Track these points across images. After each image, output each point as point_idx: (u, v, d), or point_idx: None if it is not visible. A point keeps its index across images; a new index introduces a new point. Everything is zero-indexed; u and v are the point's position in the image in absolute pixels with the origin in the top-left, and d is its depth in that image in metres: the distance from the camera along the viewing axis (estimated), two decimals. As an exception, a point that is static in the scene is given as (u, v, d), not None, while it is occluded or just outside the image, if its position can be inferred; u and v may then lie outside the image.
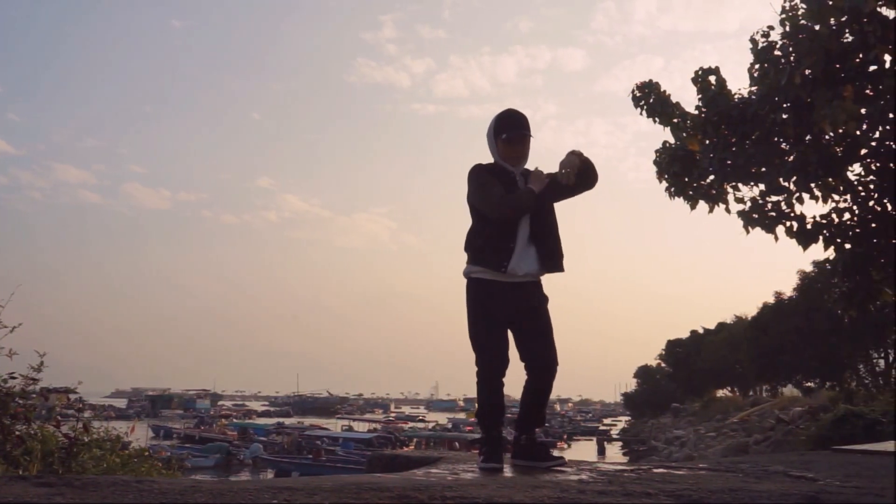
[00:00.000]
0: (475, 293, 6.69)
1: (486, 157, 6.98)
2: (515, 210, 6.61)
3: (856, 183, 16.36)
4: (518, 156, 6.82)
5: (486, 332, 6.59)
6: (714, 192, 17.07)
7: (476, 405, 6.83)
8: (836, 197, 16.41)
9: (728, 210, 17.14)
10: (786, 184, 16.11)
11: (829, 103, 14.37)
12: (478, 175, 6.81)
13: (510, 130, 6.75)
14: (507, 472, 6.21)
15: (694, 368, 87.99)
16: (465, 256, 6.85)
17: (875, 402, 25.02)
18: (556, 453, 6.95)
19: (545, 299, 6.80)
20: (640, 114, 17.81)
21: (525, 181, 6.77)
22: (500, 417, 6.67)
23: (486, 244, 6.69)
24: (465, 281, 6.82)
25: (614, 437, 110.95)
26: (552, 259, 6.77)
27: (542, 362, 6.62)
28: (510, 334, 6.70)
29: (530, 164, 6.91)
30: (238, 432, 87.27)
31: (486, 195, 6.68)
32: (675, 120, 17.51)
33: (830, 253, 16.93)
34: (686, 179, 17.32)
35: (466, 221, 6.84)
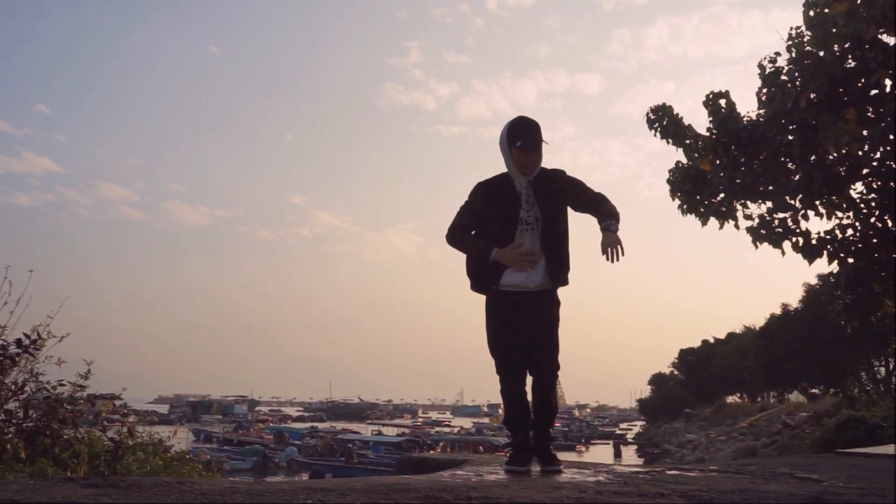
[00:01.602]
0: (493, 303, 6.60)
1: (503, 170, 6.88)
2: (458, 248, 6.69)
3: (858, 201, 16.34)
4: (532, 162, 6.60)
5: (504, 341, 6.51)
6: (724, 209, 17.06)
7: (500, 411, 6.79)
8: (840, 214, 16.41)
9: (737, 226, 17.15)
10: (792, 201, 16.11)
11: (832, 125, 14.37)
12: (470, 196, 6.75)
13: (523, 138, 6.52)
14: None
15: (705, 376, 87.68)
16: None
17: (876, 408, 24.80)
18: (575, 457, 6.91)
19: (557, 304, 6.64)
20: (654, 135, 17.83)
21: (535, 194, 6.60)
22: (524, 421, 6.56)
23: (476, 268, 6.66)
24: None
25: (630, 440, 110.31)
26: (558, 271, 6.61)
27: (542, 363, 6.49)
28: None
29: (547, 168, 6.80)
30: (274, 436, 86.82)
31: (455, 221, 6.73)
32: (688, 141, 17.52)
33: (834, 267, 16.95)
34: (698, 197, 17.32)
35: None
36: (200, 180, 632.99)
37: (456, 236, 6.69)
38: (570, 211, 6.76)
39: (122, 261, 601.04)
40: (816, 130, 14.96)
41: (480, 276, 6.62)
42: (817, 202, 16.04)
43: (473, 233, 6.75)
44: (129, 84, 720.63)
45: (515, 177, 6.66)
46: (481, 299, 6.65)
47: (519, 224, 6.53)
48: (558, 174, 6.80)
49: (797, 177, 15.94)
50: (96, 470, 8.17)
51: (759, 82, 16.57)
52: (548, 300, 6.58)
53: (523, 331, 6.49)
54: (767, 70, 16.37)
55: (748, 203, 16.91)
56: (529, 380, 6.54)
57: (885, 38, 14.70)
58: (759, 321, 65.28)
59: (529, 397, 6.63)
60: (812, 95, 15.28)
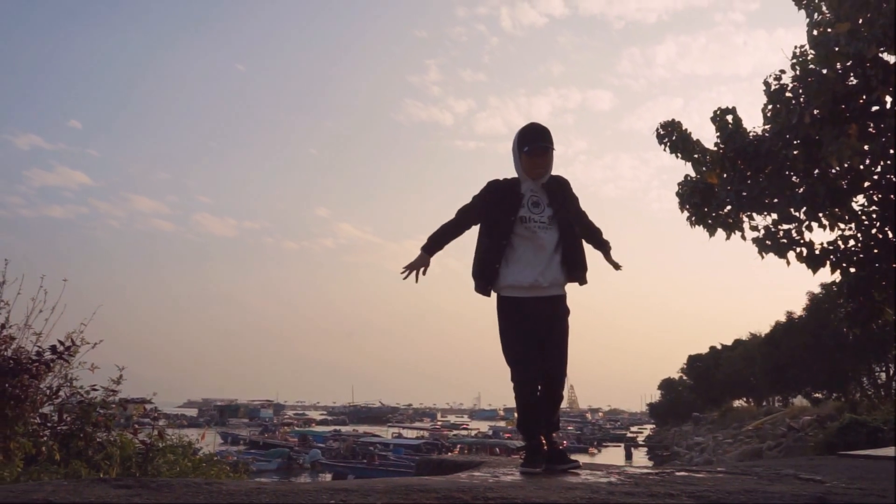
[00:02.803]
0: (504, 308, 6.54)
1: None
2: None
3: (860, 213, 16.31)
4: (539, 167, 6.56)
5: (517, 346, 6.41)
6: (731, 220, 17.04)
7: (515, 415, 6.74)
8: (842, 225, 16.39)
9: (744, 237, 17.13)
10: (796, 213, 16.09)
11: (835, 140, 14.35)
12: (481, 189, 6.78)
13: (532, 143, 6.50)
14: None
15: (713, 381, 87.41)
16: None
17: (877, 412, 24.75)
18: (587, 459, 6.89)
19: (566, 312, 6.58)
20: (664, 150, 17.81)
21: (547, 196, 6.58)
22: (538, 427, 6.48)
23: (479, 269, 6.66)
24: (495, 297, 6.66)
25: (640, 443, 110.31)
26: (577, 270, 6.58)
27: (554, 373, 6.45)
28: None
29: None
30: (299, 439, 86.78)
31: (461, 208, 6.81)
32: (696, 155, 17.49)
33: (837, 276, 16.94)
34: (706, 209, 17.30)
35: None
36: (228, 193, 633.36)
37: (446, 222, 6.83)
38: None
39: (153, 270, 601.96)
40: (820, 145, 14.94)
41: (482, 276, 6.59)
42: (820, 214, 16.01)
43: (481, 226, 6.78)
44: (159, 101, 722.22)
45: (524, 180, 6.63)
46: (494, 306, 6.61)
47: (529, 223, 6.47)
48: (566, 182, 6.81)
49: (801, 190, 15.92)
50: (128, 471, 8.18)
51: (764, 99, 16.56)
52: (561, 309, 6.54)
53: (537, 340, 6.42)
54: (772, 87, 16.36)
55: (754, 215, 16.88)
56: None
57: (885, 56, 14.70)
58: (764, 328, 65.11)
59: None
60: (815, 111, 15.25)
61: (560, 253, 6.49)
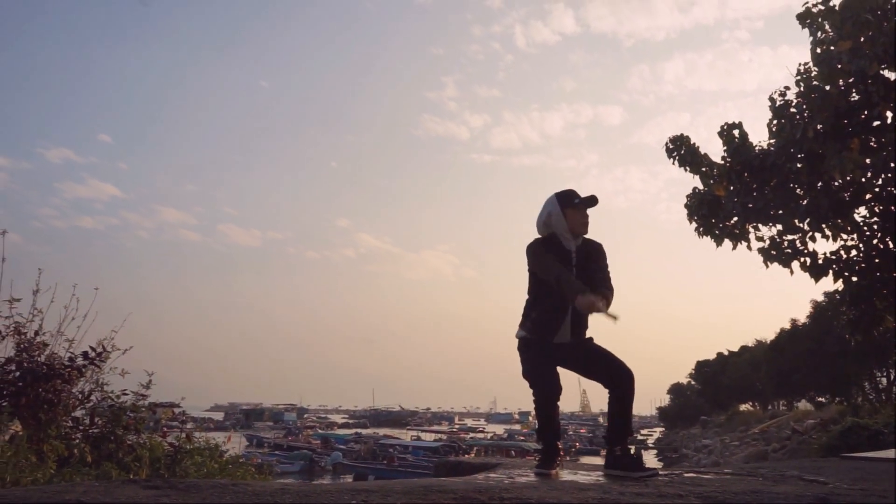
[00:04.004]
0: (526, 348, 6.58)
1: (535, 204, 6.84)
2: (559, 285, 6.37)
3: (861, 224, 16.27)
4: (586, 222, 6.62)
5: (540, 370, 6.42)
6: (737, 231, 17.01)
7: (532, 420, 6.76)
8: (845, 236, 16.36)
9: (750, 247, 17.08)
10: (800, 224, 16.06)
11: (838, 154, 14.33)
12: (536, 247, 6.63)
13: (583, 198, 6.57)
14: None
15: (720, 386, 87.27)
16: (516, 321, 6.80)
17: (878, 416, 24.66)
18: (599, 461, 6.87)
19: (589, 339, 6.62)
20: (673, 163, 17.79)
21: (584, 258, 6.62)
22: (557, 435, 6.55)
23: (539, 317, 6.57)
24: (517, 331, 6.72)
25: (650, 445, 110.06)
26: (583, 331, 6.63)
27: (616, 373, 6.44)
28: (574, 371, 6.64)
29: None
30: (321, 441, 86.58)
31: (546, 264, 6.50)
32: (704, 169, 17.47)
33: (839, 285, 16.91)
34: (713, 220, 17.28)
35: (517, 257, 6.76)
36: (253, 205, 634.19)
37: (551, 264, 6.49)
38: None
39: (181, 279, 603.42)
40: (823, 159, 14.92)
41: (542, 326, 6.56)
42: (823, 225, 15.98)
43: (530, 302, 6.75)
44: (186, 116, 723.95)
45: (564, 238, 6.64)
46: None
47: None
48: (599, 247, 6.84)
49: (805, 202, 15.89)
50: (157, 473, 8.19)
51: (769, 114, 16.54)
52: (583, 342, 6.63)
53: (571, 363, 6.58)
54: (777, 103, 16.34)
55: (760, 226, 16.87)
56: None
57: (886, 73, 14.67)
58: (769, 335, 65.03)
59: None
60: (819, 126, 15.23)
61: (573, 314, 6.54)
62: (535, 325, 6.57)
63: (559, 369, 6.51)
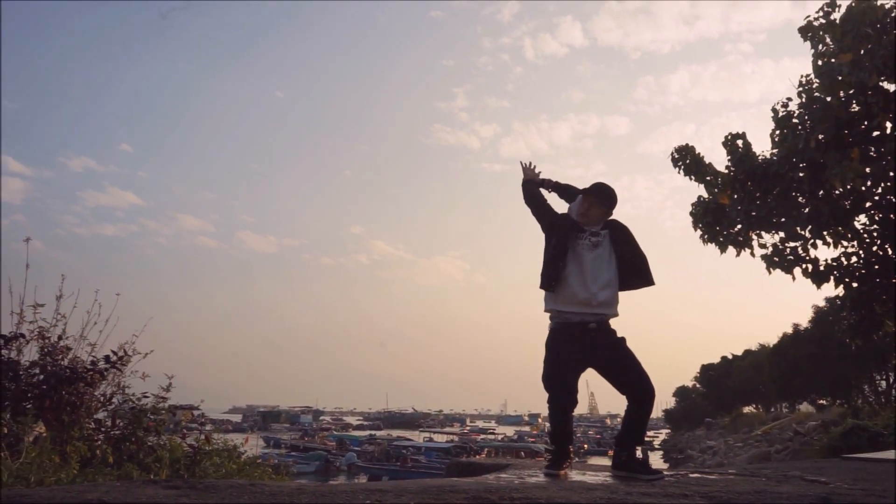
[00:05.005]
0: (554, 338, 6.52)
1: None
2: (525, 188, 7.17)
3: (862, 231, 16.27)
4: (590, 217, 6.65)
5: (560, 376, 6.38)
6: (741, 238, 17.02)
7: (544, 423, 6.75)
8: (845, 243, 16.37)
9: (753, 254, 17.08)
10: (802, 232, 16.06)
11: (839, 164, 14.33)
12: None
13: (597, 195, 6.62)
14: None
15: (724, 388, 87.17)
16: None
17: (878, 417, 24.53)
18: (607, 461, 6.84)
19: (622, 339, 6.54)
20: (678, 172, 17.81)
21: (613, 240, 6.68)
22: (568, 439, 6.48)
23: (545, 268, 6.60)
24: (541, 321, 6.69)
25: (656, 447, 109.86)
26: (635, 277, 6.85)
27: (640, 388, 6.43)
28: (598, 371, 6.54)
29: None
30: (336, 443, 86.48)
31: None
32: (708, 178, 17.48)
33: (840, 290, 16.92)
34: (717, 228, 17.28)
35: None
36: (269, 212, 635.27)
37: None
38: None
39: (199, 285, 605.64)
40: (824, 168, 14.92)
41: (547, 274, 6.58)
42: (825, 232, 15.97)
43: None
44: (204, 126, 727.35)
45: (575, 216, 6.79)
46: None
47: (585, 239, 6.60)
48: (623, 227, 6.88)
49: (807, 210, 15.90)
50: (177, 473, 8.17)
51: (772, 124, 16.57)
52: (614, 339, 6.54)
53: (599, 363, 6.49)
54: (780, 113, 16.37)
55: (762, 233, 16.87)
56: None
57: (885, 85, 14.67)
58: (772, 339, 64.77)
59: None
60: (820, 136, 15.25)
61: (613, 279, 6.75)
62: (543, 276, 6.60)
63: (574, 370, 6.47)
